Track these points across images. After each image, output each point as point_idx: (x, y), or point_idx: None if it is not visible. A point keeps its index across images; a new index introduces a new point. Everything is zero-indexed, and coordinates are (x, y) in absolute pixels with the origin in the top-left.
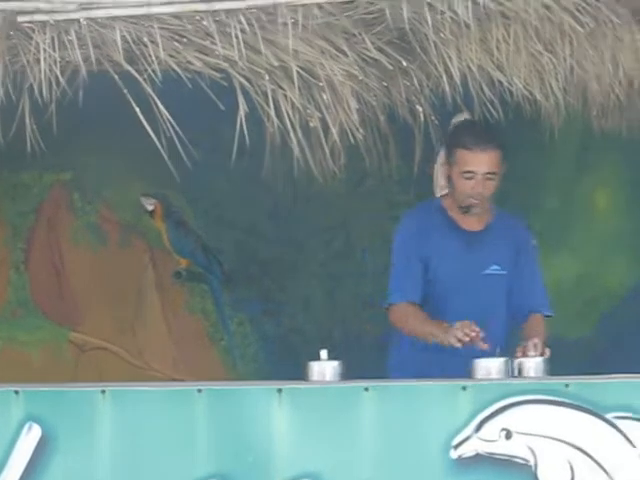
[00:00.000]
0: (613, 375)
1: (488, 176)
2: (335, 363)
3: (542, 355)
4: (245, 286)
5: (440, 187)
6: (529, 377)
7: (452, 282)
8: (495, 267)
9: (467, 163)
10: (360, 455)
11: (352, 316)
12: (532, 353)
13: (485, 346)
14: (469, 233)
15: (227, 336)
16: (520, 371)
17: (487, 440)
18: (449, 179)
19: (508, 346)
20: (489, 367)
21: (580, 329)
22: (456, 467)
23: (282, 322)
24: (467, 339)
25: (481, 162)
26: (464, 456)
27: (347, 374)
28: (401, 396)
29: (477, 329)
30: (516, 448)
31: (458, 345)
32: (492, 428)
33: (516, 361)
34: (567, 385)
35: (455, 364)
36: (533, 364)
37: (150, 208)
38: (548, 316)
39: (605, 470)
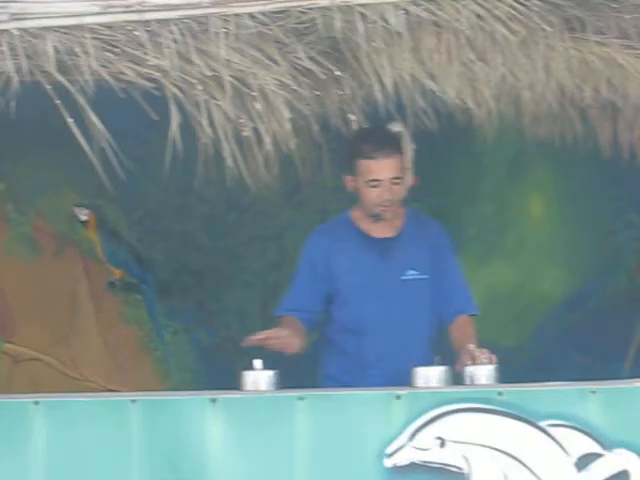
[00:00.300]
0: (547, 383)
1: (394, 181)
2: (270, 372)
3: (492, 362)
4: (179, 296)
5: None
6: (465, 385)
7: (369, 293)
8: (412, 272)
9: (371, 172)
10: (295, 464)
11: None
12: (485, 361)
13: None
14: (381, 241)
15: (162, 346)
16: (472, 379)
17: (421, 449)
18: (356, 190)
19: (437, 349)
20: (428, 375)
21: (515, 336)
22: (391, 476)
23: (217, 332)
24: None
25: (385, 168)
26: (398, 465)
27: (282, 383)
28: (335, 405)
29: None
30: (450, 456)
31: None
32: (426, 436)
33: (468, 369)
34: (501, 393)
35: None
36: (486, 372)
37: (84, 218)
38: (473, 315)
39: (539, 478)
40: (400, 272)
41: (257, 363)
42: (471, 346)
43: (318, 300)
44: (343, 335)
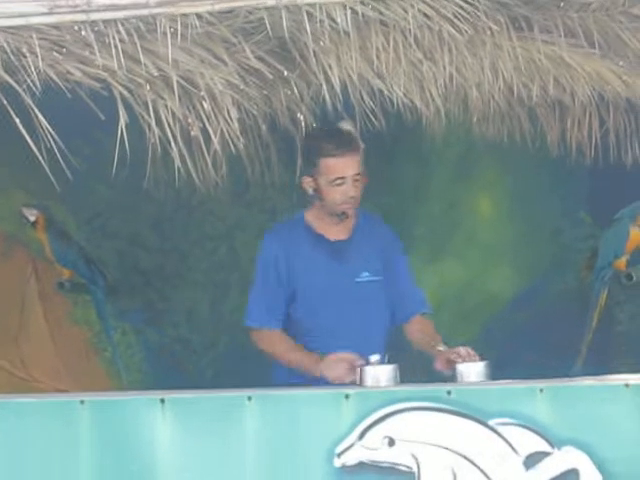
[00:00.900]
0: (495, 381)
1: (356, 177)
2: (390, 367)
3: (481, 359)
4: (128, 296)
5: None
6: (410, 384)
7: (323, 296)
8: (366, 274)
9: (336, 170)
10: (244, 464)
11: (236, 325)
12: (474, 358)
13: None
14: (335, 243)
15: (111, 346)
16: (463, 376)
17: (370, 448)
18: (315, 190)
19: (390, 350)
20: (377, 375)
21: (463, 335)
22: (340, 475)
23: (166, 332)
24: (338, 382)
25: (348, 165)
26: (348, 464)
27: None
28: (284, 404)
29: (360, 359)
30: (399, 455)
31: (332, 380)
32: (375, 436)
33: (459, 367)
34: (449, 392)
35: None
36: (478, 369)
37: (32, 219)
38: (426, 313)
39: (488, 477)
40: (354, 274)
41: (375, 358)
42: (461, 348)
43: (285, 302)
44: (298, 337)
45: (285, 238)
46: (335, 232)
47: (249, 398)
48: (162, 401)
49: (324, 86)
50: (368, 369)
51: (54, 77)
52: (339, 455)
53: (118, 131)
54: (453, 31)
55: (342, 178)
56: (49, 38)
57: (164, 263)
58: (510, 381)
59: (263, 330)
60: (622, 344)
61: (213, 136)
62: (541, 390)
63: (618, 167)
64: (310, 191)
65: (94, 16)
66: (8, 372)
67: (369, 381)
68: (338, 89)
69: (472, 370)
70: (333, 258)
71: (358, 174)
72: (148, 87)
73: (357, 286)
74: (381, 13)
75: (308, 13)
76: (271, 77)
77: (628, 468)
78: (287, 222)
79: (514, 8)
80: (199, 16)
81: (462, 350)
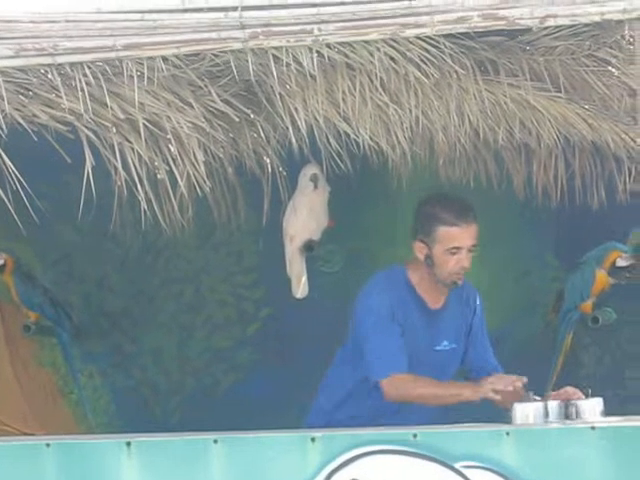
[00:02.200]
0: (462, 424)
1: (471, 248)
2: (539, 404)
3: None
4: (95, 339)
5: (290, 236)
6: (375, 427)
7: (410, 357)
8: (445, 343)
9: (454, 239)
10: None
11: (203, 368)
12: (582, 397)
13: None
14: (432, 311)
15: (77, 389)
16: (578, 414)
17: None
18: (427, 257)
19: None
20: (527, 412)
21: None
22: None
23: (133, 374)
24: (511, 389)
25: (466, 236)
26: None
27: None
28: (251, 447)
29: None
30: None
31: (495, 397)
32: (341, 479)
33: (572, 404)
34: (415, 435)
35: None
36: (593, 405)
37: (0, 263)
38: None
39: None
40: (436, 343)
41: (530, 395)
42: (568, 388)
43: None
44: (365, 384)
45: (393, 293)
46: (435, 299)
47: (215, 441)
48: (128, 444)
49: (290, 129)
50: (517, 406)
51: (20, 120)
52: None
53: (84, 174)
54: (419, 74)
55: (459, 248)
56: (15, 81)
57: (130, 306)
58: (476, 424)
59: (396, 377)
60: (588, 387)
61: (179, 179)
62: (507, 433)
63: (584, 210)
64: (421, 257)
65: (60, 59)
66: None
67: (518, 418)
68: (304, 132)
69: (586, 407)
70: (425, 324)
71: (474, 245)
72: (114, 130)
73: (434, 354)
74: (347, 56)
75: (274, 56)
76: (237, 120)
77: None
78: (388, 275)
79: (480, 52)
80: (165, 59)
81: (570, 390)
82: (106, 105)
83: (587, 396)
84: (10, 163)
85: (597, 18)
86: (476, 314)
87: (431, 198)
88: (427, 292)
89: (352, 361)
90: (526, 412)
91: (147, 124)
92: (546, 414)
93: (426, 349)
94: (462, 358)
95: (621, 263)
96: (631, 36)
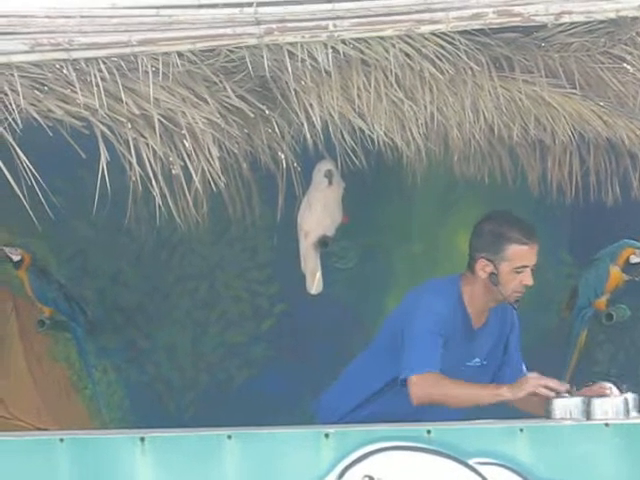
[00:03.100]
0: (474, 421)
1: (534, 267)
2: (578, 400)
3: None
4: (109, 334)
5: (305, 232)
6: (390, 423)
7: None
8: (476, 360)
9: (523, 258)
10: None
11: (217, 364)
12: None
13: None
14: (474, 330)
15: (91, 384)
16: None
17: None
18: (491, 275)
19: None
20: (568, 407)
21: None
22: None
23: (147, 370)
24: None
25: (533, 255)
26: None
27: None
28: (264, 443)
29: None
30: None
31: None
32: (355, 475)
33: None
34: (429, 431)
35: None
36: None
37: (16, 258)
38: None
39: None
40: (468, 359)
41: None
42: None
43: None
44: (393, 388)
45: (449, 302)
46: (480, 318)
47: (229, 437)
48: (142, 440)
49: (305, 125)
50: (596, 401)
51: (35, 115)
52: None
53: (99, 169)
54: (434, 70)
55: (526, 266)
56: (30, 76)
57: (145, 301)
58: (490, 421)
59: (427, 375)
60: (622, 383)
61: (194, 175)
62: (521, 430)
63: (598, 207)
64: (484, 275)
65: (76, 54)
66: None
67: (598, 414)
68: (319, 128)
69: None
70: (466, 342)
71: (535, 265)
72: (129, 125)
73: (463, 369)
74: (362, 52)
75: (289, 52)
76: (252, 116)
77: None
78: (446, 283)
79: (495, 48)
80: (180, 55)
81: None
82: (121, 100)
83: (621, 391)
84: (25, 158)
85: (612, 15)
86: (512, 331)
87: (496, 216)
88: (475, 310)
89: (379, 363)
90: (605, 408)
91: (162, 120)
92: (587, 410)
93: (457, 364)
94: (494, 374)
95: (635, 260)
96: None
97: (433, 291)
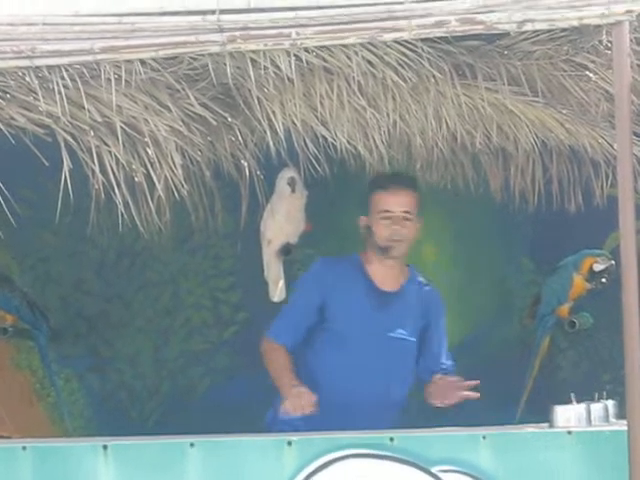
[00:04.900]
0: (438, 429)
1: (405, 215)
2: (581, 408)
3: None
4: (72, 342)
5: (267, 240)
6: (352, 431)
7: (355, 340)
8: (401, 332)
9: (384, 203)
10: None
11: (180, 371)
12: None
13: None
14: (383, 293)
15: (54, 392)
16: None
17: None
18: (367, 228)
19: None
20: (568, 415)
21: None
22: None
23: (109, 378)
24: (298, 412)
25: (396, 201)
26: None
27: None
28: (227, 451)
29: (310, 404)
30: None
31: (286, 411)
32: None
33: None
34: (392, 439)
35: None
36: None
37: None
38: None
39: None
40: (391, 329)
41: (572, 398)
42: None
43: (306, 331)
44: (318, 370)
45: (334, 267)
46: (384, 280)
47: (192, 445)
48: (105, 447)
49: (268, 132)
50: (558, 409)
51: None
52: None
53: (62, 177)
54: (397, 78)
55: (388, 212)
56: None
57: (107, 309)
58: (453, 428)
59: (274, 343)
60: (564, 391)
61: (157, 182)
62: (484, 437)
63: (561, 214)
64: (363, 230)
65: (38, 62)
66: None
67: (560, 422)
68: (282, 135)
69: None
70: (375, 305)
71: (408, 212)
72: (92, 133)
73: (389, 340)
74: (325, 60)
75: (252, 60)
76: (215, 123)
77: None
78: (343, 258)
79: (458, 56)
80: (143, 62)
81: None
82: (83, 108)
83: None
84: None
85: (575, 23)
86: (435, 315)
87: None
88: (373, 268)
89: None
90: (567, 415)
91: (124, 127)
92: (588, 417)
93: (379, 333)
94: (417, 357)
95: (598, 268)
96: (609, 41)
97: (317, 261)
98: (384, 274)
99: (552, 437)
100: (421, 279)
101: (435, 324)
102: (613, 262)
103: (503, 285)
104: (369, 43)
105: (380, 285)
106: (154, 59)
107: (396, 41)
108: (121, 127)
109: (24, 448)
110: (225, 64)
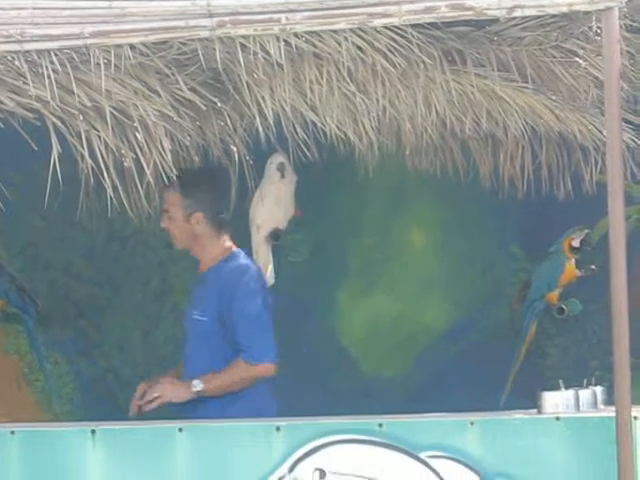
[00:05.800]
0: (426, 414)
1: (165, 212)
2: (569, 394)
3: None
4: (60, 326)
5: (257, 225)
6: (342, 416)
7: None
8: (197, 312)
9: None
10: None
11: (169, 357)
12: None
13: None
14: (199, 275)
15: (44, 376)
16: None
17: None
18: None
19: None
20: (556, 401)
21: (396, 367)
22: None
23: (98, 362)
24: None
25: (163, 199)
26: None
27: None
28: (215, 436)
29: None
30: None
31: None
32: (306, 468)
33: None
34: (381, 425)
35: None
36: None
37: None
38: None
39: None
40: (192, 310)
41: (560, 384)
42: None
43: None
44: None
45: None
46: (203, 263)
47: (180, 429)
48: (93, 432)
49: (257, 118)
50: (547, 395)
51: None
52: None
53: (51, 161)
54: (386, 64)
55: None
56: None
57: (96, 293)
58: (441, 414)
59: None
60: (553, 377)
61: (146, 167)
62: (472, 423)
63: (550, 201)
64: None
65: (28, 46)
66: None
67: (548, 408)
68: (271, 121)
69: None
70: (196, 286)
71: (165, 210)
72: (81, 118)
73: (193, 321)
74: (315, 46)
75: (242, 45)
76: (204, 108)
77: None
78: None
79: (447, 42)
80: (132, 47)
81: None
82: (73, 92)
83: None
84: None
85: (564, 9)
86: (234, 297)
87: None
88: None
89: None
90: (555, 401)
91: (114, 112)
92: (576, 403)
93: (189, 314)
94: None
95: (576, 243)
96: (598, 27)
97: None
98: (202, 259)
99: (540, 423)
100: (232, 263)
101: (232, 305)
102: (587, 230)
103: (492, 272)
104: (359, 29)
105: (201, 267)
106: (144, 44)
107: (386, 27)
108: (110, 112)
109: (12, 432)
110: (215, 49)
